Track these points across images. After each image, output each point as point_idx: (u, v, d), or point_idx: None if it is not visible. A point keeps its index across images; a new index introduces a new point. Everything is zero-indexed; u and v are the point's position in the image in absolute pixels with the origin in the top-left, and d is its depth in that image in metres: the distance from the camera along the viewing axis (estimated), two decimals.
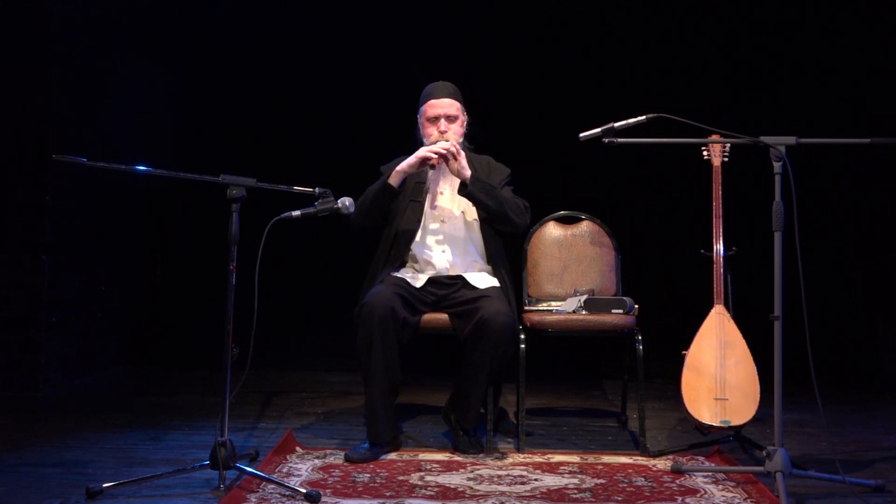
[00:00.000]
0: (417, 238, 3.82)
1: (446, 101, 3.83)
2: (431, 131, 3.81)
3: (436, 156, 3.69)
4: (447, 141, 3.74)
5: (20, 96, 4.70)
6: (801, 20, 5.66)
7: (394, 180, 3.73)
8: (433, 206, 3.84)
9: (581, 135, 3.28)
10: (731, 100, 5.58)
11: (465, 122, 3.88)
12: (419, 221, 3.83)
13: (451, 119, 3.82)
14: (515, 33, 5.81)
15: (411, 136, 3.91)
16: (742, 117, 4.62)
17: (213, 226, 4.31)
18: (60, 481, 3.08)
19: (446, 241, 3.82)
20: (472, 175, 3.71)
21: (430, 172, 3.84)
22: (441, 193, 3.87)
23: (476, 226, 3.84)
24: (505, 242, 3.94)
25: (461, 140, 3.84)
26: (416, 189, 3.85)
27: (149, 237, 5.92)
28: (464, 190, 3.72)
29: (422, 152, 3.73)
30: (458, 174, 3.71)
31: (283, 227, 3.14)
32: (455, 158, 3.70)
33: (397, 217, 3.83)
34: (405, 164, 3.74)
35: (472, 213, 3.84)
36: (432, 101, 3.83)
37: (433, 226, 3.83)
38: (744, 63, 5.72)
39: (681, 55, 5.73)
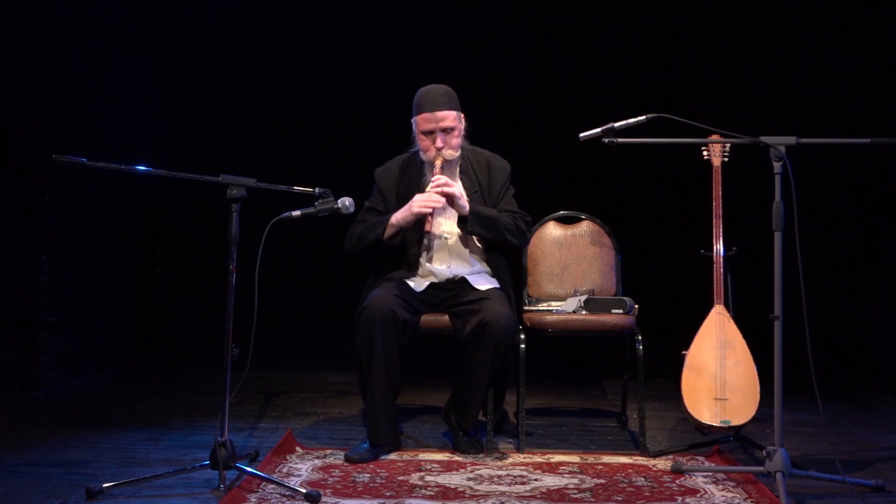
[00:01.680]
0: (421, 253, 3.76)
1: (440, 114, 3.65)
2: (427, 145, 3.69)
3: (431, 209, 3.57)
4: (443, 170, 3.64)
5: (20, 96, 4.70)
6: (802, 20, 5.66)
7: (388, 233, 3.65)
8: (435, 220, 3.72)
9: (581, 135, 3.28)
10: (731, 100, 5.58)
11: (463, 129, 3.75)
12: (421, 237, 3.74)
13: (447, 131, 3.67)
14: (515, 33, 5.81)
15: (412, 136, 3.91)
16: (742, 117, 4.62)
17: (213, 226, 4.31)
18: (60, 481, 3.08)
19: (449, 254, 3.77)
20: (470, 210, 3.62)
21: (428, 178, 3.72)
22: (444, 207, 3.75)
23: (478, 238, 3.80)
24: None
25: (458, 153, 3.73)
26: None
27: (149, 237, 5.92)
28: (463, 226, 3.65)
29: (416, 208, 3.58)
30: (456, 210, 3.64)
31: (283, 227, 3.14)
32: (451, 203, 3.60)
33: (398, 237, 3.75)
34: (401, 219, 3.63)
35: None
36: (426, 115, 3.66)
37: (436, 239, 3.76)
38: (744, 63, 5.72)
39: (681, 55, 5.73)
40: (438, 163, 3.66)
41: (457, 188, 3.64)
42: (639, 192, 5.71)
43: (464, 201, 3.62)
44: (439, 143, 3.66)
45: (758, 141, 3.13)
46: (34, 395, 4.62)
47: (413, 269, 3.77)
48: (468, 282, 3.75)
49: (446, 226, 3.76)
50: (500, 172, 3.84)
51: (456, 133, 3.70)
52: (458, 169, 3.78)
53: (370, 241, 3.68)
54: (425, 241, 3.76)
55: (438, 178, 3.61)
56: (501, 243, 3.73)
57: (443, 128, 3.66)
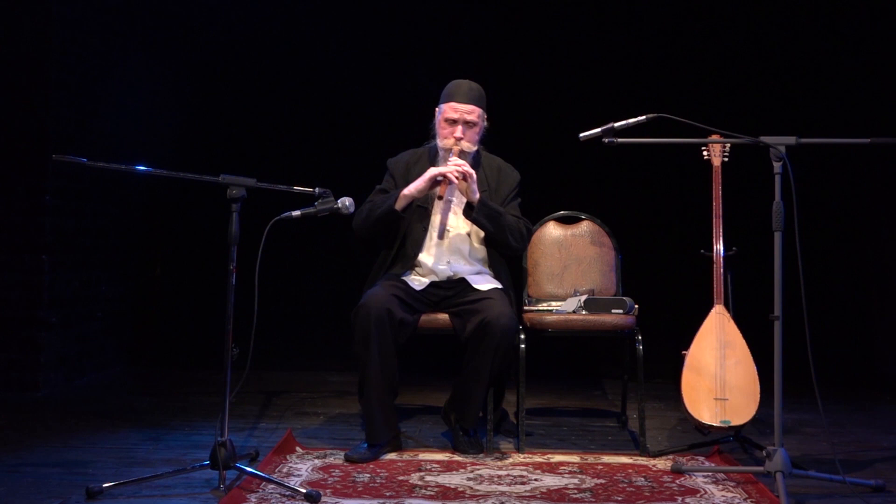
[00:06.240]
0: (422, 246, 3.77)
1: (469, 106, 3.71)
2: (447, 133, 3.72)
3: (444, 179, 3.59)
4: (459, 158, 3.65)
5: (20, 96, 4.69)
6: (802, 20, 5.66)
7: (400, 205, 3.64)
8: (440, 214, 3.76)
9: (581, 135, 3.28)
10: (731, 100, 5.58)
11: (484, 128, 3.79)
12: (425, 230, 3.77)
13: (469, 125, 3.72)
14: (515, 34, 5.81)
15: (413, 135, 3.90)
16: (742, 117, 4.62)
17: (213, 226, 4.31)
18: (60, 481, 3.08)
19: (451, 251, 3.77)
20: (479, 199, 3.63)
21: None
22: (450, 200, 3.78)
23: (481, 236, 3.81)
24: None
25: (475, 147, 3.76)
26: (425, 195, 3.80)
27: (149, 237, 5.92)
28: (469, 213, 3.65)
29: (432, 171, 3.63)
30: (466, 195, 3.64)
31: (283, 227, 3.14)
32: (465, 180, 3.61)
33: (403, 222, 3.79)
34: (414, 189, 3.65)
35: None
36: (454, 104, 3.72)
37: (439, 235, 3.77)
38: (744, 63, 5.72)
39: (681, 55, 5.73)
40: (456, 149, 3.70)
41: (473, 178, 3.65)
42: (639, 192, 5.71)
43: (476, 188, 3.63)
44: (459, 134, 3.71)
45: (758, 141, 3.13)
46: (34, 395, 4.62)
47: (413, 266, 3.78)
48: (468, 282, 3.75)
49: (450, 220, 3.77)
50: (510, 179, 3.87)
51: (477, 129, 3.76)
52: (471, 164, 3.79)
53: (380, 213, 3.68)
54: (427, 234, 3.76)
55: (457, 159, 3.64)
56: (501, 242, 3.72)
57: (466, 120, 3.72)
